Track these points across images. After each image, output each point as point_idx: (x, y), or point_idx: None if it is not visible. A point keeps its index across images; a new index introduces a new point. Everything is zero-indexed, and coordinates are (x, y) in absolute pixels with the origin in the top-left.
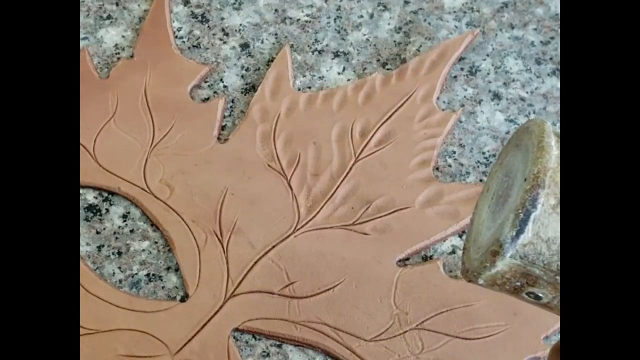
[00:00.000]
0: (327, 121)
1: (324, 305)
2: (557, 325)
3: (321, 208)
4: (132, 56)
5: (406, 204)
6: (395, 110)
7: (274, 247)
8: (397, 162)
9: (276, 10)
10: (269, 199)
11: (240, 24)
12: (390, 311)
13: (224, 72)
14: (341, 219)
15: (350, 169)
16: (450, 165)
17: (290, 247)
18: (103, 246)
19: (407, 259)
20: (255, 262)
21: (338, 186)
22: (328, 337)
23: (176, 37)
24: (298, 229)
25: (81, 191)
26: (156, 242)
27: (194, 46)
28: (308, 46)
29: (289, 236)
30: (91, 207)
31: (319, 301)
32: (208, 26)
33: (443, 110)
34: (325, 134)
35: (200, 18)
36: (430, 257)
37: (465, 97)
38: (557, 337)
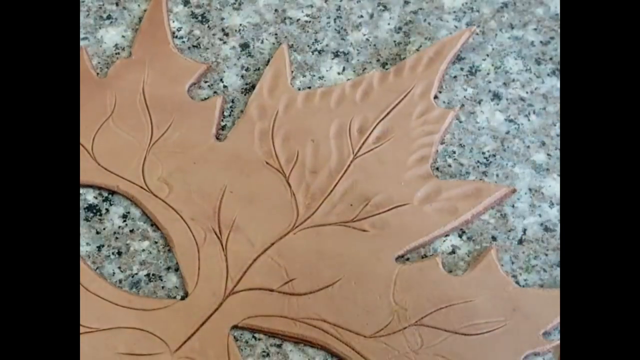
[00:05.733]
0: (325, 118)
1: (323, 302)
2: (557, 321)
3: (320, 205)
4: (130, 55)
5: (404, 201)
6: (393, 107)
7: (273, 244)
8: (395, 158)
9: (276, 10)
10: (267, 196)
11: (240, 24)
12: (390, 308)
13: (224, 72)
14: (340, 216)
15: (349, 166)
16: (450, 165)
17: (289, 244)
18: (103, 246)
19: (407, 255)
20: (255, 260)
21: (337, 183)
22: (327, 334)
23: (176, 37)
24: (297, 227)
25: (81, 191)
26: (156, 242)
27: (193, 46)
28: (308, 46)
29: (288, 233)
30: (91, 207)
31: (318, 298)
32: (208, 26)
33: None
34: (324, 131)
35: (200, 18)
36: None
37: (465, 97)
38: (557, 333)
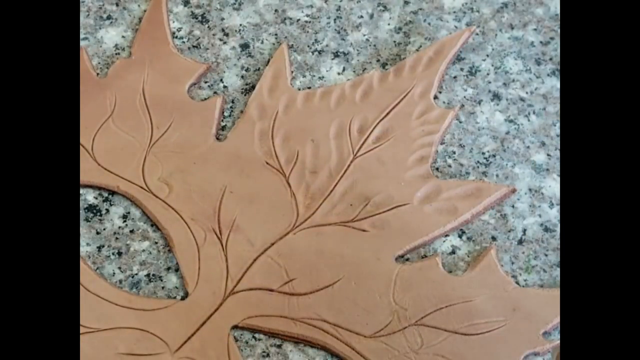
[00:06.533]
0: (325, 118)
1: (323, 302)
2: (557, 321)
3: (320, 205)
4: (130, 55)
5: (404, 201)
6: (393, 107)
7: (273, 244)
8: (395, 158)
9: (276, 10)
10: (267, 196)
11: (240, 24)
12: (390, 307)
13: (224, 72)
14: (340, 216)
15: (349, 166)
16: (450, 166)
17: (289, 244)
18: (103, 246)
19: (407, 255)
20: (255, 260)
21: (336, 183)
22: (327, 334)
23: (176, 37)
24: (297, 227)
25: (81, 191)
26: (156, 243)
27: (194, 46)
28: (308, 46)
29: (287, 233)
30: (91, 208)
31: (318, 298)
32: (208, 26)
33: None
34: (323, 131)
35: (200, 18)
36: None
37: (465, 97)
38: (557, 333)
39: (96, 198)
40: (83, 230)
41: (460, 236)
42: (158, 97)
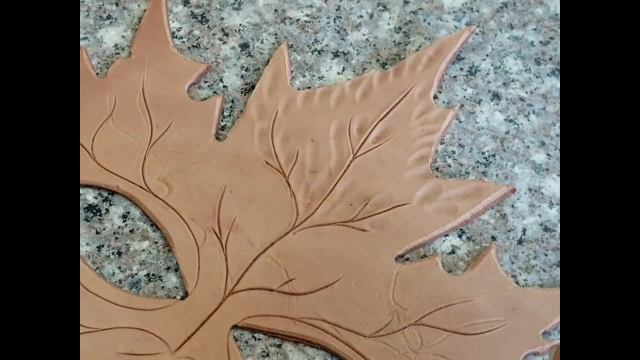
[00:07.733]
0: (325, 118)
1: (323, 302)
2: (557, 321)
3: (320, 205)
4: (130, 55)
5: (404, 201)
6: (393, 107)
7: (273, 244)
8: (395, 158)
9: (276, 10)
10: (267, 196)
11: (240, 25)
12: (390, 307)
13: (224, 72)
14: (340, 216)
15: (349, 166)
16: (450, 166)
17: (289, 244)
18: (103, 246)
19: (407, 256)
20: (255, 260)
21: (336, 183)
22: (327, 334)
23: (176, 37)
24: (297, 227)
25: (81, 191)
26: (156, 243)
27: (193, 46)
28: (308, 46)
29: (287, 234)
30: (91, 208)
31: (319, 298)
32: (208, 26)
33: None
34: (323, 131)
35: (200, 18)
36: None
37: (465, 97)
38: (557, 333)
39: (96, 198)
40: (83, 230)
41: (460, 236)
42: (158, 97)
